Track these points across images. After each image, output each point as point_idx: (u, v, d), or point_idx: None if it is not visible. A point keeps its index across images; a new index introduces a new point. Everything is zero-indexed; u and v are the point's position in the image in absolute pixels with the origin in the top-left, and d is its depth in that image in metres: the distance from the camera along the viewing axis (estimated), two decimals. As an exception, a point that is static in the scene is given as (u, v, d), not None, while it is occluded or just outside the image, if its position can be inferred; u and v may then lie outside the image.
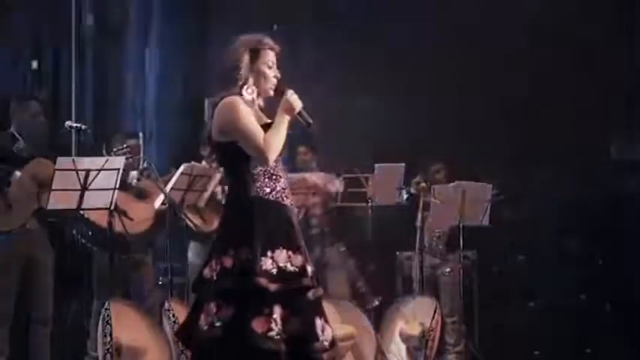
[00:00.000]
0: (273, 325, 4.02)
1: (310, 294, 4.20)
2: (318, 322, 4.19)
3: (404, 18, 8.64)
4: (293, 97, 4.23)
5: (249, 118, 4.14)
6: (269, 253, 4.10)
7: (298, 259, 4.16)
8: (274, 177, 4.21)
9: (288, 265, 4.13)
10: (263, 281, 4.05)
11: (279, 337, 4.03)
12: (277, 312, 4.05)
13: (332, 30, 8.78)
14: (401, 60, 8.58)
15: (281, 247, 4.13)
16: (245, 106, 4.17)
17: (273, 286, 4.06)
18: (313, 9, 8.79)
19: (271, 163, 4.16)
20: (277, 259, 4.11)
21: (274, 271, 4.08)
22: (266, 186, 4.18)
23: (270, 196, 4.18)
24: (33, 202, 5.77)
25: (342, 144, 7.81)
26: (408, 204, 7.41)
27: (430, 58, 8.52)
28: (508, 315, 8.18)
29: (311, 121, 4.27)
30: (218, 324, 4.05)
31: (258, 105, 4.31)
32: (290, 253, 4.15)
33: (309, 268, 4.22)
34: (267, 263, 4.08)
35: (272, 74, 4.27)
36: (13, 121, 6.01)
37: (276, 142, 4.14)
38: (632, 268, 7.92)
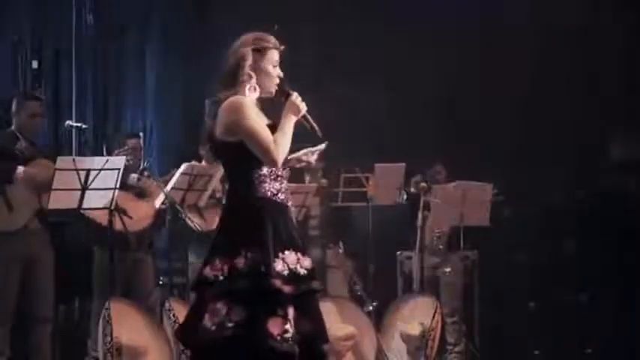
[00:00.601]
0: (288, 327, 4.02)
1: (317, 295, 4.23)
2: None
3: (404, 19, 8.65)
4: (298, 100, 4.23)
5: (257, 119, 4.14)
6: (280, 255, 4.09)
7: (307, 262, 4.16)
8: (279, 178, 4.20)
9: (298, 267, 4.12)
10: (278, 282, 4.04)
11: (293, 338, 4.03)
12: (291, 313, 4.05)
13: (332, 31, 8.79)
14: (401, 60, 8.58)
15: (290, 249, 4.13)
16: (252, 107, 4.16)
17: (286, 288, 4.05)
18: (314, 9, 8.79)
19: (280, 164, 4.15)
20: (287, 261, 4.10)
21: (286, 272, 4.07)
22: (272, 187, 4.17)
23: (277, 198, 4.17)
24: (34, 203, 5.77)
25: (342, 144, 7.80)
26: (408, 204, 7.41)
27: (430, 58, 8.52)
28: (508, 315, 8.19)
29: (315, 124, 4.26)
30: (230, 325, 4.01)
31: (259, 105, 4.31)
32: (299, 255, 4.14)
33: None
34: (279, 265, 4.07)
35: (275, 73, 4.26)
36: (14, 120, 6.01)
37: (284, 143, 4.14)
38: (633, 268, 7.92)
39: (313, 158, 4.44)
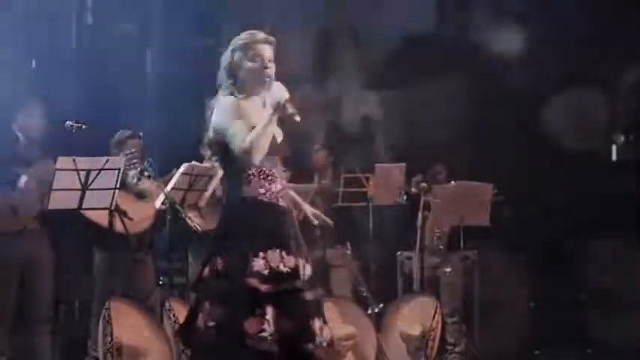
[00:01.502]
0: (265, 326, 4.02)
1: (308, 294, 4.19)
2: (317, 322, 4.17)
3: (404, 19, 8.65)
4: (279, 89, 4.17)
5: (236, 119, 4.11)
6: (261, 254, 4.09)
7: (291, 260, 4.14)
8: (270, 178, 4.19)
9: (281, 265, 4.11)
10: (253, 282, 4.04)
11: (271, 337, 4.03)
12: (270, 312, 4.04)
13: (333, 31, 8.80)
14: (401, 61, 8.59)
15: (274, 248, 4.12)
16: (235, 106, 4.15)
17: (264, 287, 4.05)
18: (314, 9, 8.79)
19: (256, 162, 4.10)
20: (270, 260, 4.09)
21: (266, 271, 4.07)
22: (260, 187, 4.16)
23: (264, 197, 4.17)
24: (34, 203, 5.77)
25: (343, 144, 7.82)
26: (409, 204, 7.41)
27: (430, 59, 8.53)
28: (508, 315, 8.19)
29: (295, 111, 4.13)
30: (211, 324, 4.06)
31: (262, 102, 4.29)
32: (283, 253, 4.13)
33: (306, 270, 4.21)
34: (259, 264, 4.07)
35: (262, 66, 4.21)
36: (16, 120, 6.01)
37: (258, 141, 4.07)
38: (633, 268, 7.92)
39: (300, 215, 4.47)
